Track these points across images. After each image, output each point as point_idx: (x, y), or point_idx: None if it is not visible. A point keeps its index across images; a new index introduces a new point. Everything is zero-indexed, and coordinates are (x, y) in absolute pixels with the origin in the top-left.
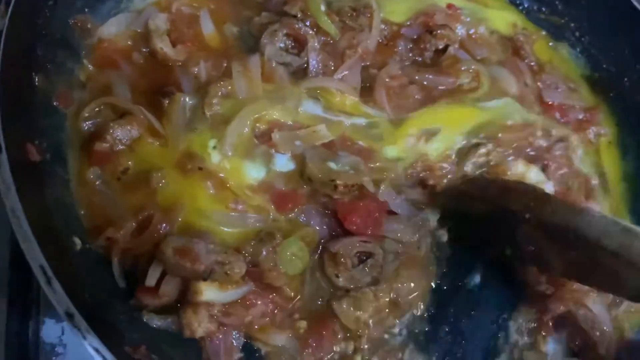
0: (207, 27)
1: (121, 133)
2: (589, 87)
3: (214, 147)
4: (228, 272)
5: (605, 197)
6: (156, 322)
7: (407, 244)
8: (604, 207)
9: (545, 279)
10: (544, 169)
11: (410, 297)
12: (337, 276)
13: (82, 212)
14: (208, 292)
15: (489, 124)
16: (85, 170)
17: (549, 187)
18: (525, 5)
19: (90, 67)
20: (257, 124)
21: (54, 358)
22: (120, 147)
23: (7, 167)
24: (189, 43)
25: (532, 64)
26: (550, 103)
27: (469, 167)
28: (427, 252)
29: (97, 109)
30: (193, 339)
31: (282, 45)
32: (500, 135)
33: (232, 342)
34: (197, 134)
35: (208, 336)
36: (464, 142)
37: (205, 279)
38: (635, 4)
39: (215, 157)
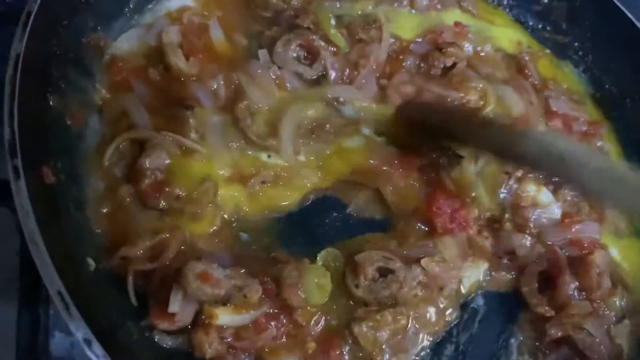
0: (217, 35)
1: (154, 163)
2: (593, 103)
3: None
4: (246, 295)
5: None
6: (167, 341)
7: None
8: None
9: (546, 302)
10: (555, 190)
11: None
12: (356, 287)
13: (99, 231)
14: (222, 316)
15: None
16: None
17: (557, 210)
18: (530, 24)
19: (105, 91)
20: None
21: None
22: (160, 176)
23: (26, 192)
24: (200, 55)
25: (536, 82)
26: (555, 111)
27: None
28: None
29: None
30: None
31: (295, 55)
32: None
33: None
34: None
35: (218, 357)
36: None
37: (224, 304)
38: (638, 24)
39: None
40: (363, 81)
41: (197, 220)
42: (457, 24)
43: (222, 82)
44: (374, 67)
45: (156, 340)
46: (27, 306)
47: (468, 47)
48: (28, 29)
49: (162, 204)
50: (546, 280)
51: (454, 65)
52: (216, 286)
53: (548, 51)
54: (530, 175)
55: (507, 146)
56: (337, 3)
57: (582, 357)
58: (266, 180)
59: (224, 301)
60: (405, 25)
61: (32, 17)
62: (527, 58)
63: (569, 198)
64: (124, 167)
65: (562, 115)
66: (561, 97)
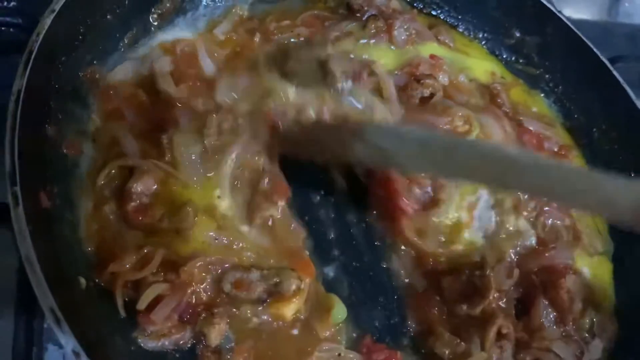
0: (208, 66)
1: (141, 188)
2: (565, 131)
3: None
4: (280, 290)
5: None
6: (151, 344)
7: None
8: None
9: (521, 326)
10: (536, 218)
11: None
12: None
13: (90, 249)
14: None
15: None
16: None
17: (532, 238)
18: (504, 56)
19: (98, 120)
20: None
21: None
22: (146, 200)
23: (23, 218)
24: (190, 82)
25: (508, 110)
26: (529, 129)
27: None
28: None
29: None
30: None
31: None
32: None
33: None
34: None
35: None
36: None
37: (264, 301)
38: (603, 58)
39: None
40: None
41: (189, 241)
42: (432, 56)
43: (202, 99)
44: None
45: (140, 344)
46: (23, 320)
47: (444, 77)
48: (29, 67)
49: (145, 224)
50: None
51: (432, 95)
52: (250, 289)
53: (522, 82)
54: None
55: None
56: None
57: None
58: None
59: (262, 301)
60: (384, 61)
61: (33, 55)
62: (499, 87)
63: (548, 225)
64: (113, 189)
65: (535, 134)
66: (533, 119)
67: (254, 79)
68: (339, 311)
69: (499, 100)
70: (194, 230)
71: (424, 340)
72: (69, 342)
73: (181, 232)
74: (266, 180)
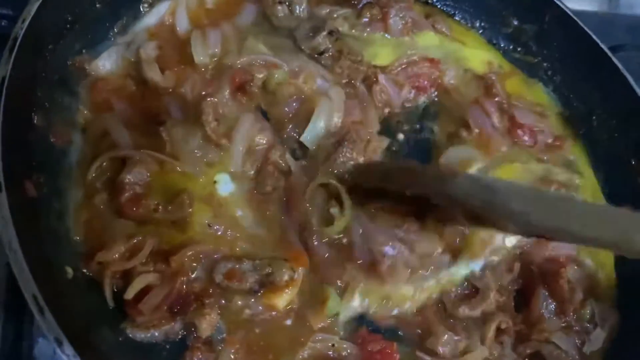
0: (182, 24)
1: (133, 178)
2: (563, 121)
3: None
4: (272, 280)
5: None
6: (139, 335)
7: None
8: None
9: (520, 319)
10: None
11: None
12: None
13: (77, 239)
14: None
15: None
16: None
17: None
18: (502, 45)
19: (87, 112)
20: None
21: None
22: (139, 190)
23: (7, 204)
24: (175, 68)
25: (503, 101)
26: (521, 123)
27: None
28: None
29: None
30: (173, 358)
31: None
32: None
33: None
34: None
35: (189, 356)
36: None
37: (257, 292)
38: (603, 47)
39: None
40: None
41: (184, 230)
42: (430, 60)
43: (191, 84)
44: None
45: (129, 335)
46: (12, 315)
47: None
48: (14, 53)
49: (140, 214)
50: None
51: None
52: (242, 280)
53: (519, 71)
54: None
55: (440, 186)
56: None
57: None
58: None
59: (255, 290)
60: (381, 52)
61: (18, 42)
62: (493, 78)
63: None
64: (105, 180)
65: (528, 127)
66: (526, 110)
67: (226, 31)
68: (334, 304)
69: (493, 90)
70: (190, 218)
71: (423, 341)
72: (51, 330)
73: (177, 222)
74: (278, 153)
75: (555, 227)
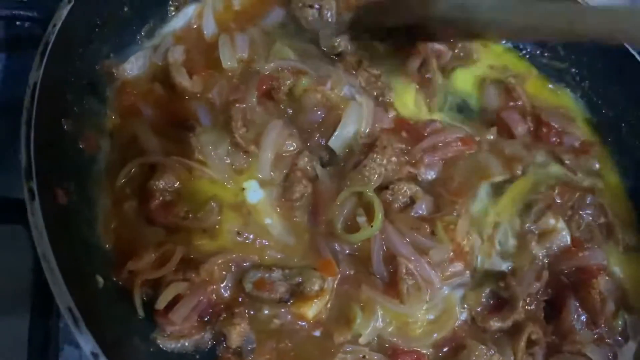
0: (209, 28)
1: (163, 185)
2: (590, 127)
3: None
4: (302, 290)
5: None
6: (170, 345)
7: None
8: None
9: (551, 330)
10: (570, 217)
11: None
12: None
13: (108, 247)
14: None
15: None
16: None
17: (567, 237)
18: (529, 50)
19: (115, 117)
20: None
21: None
22: (169, 197)
23: (40, 213)
24: (203, 72)
25: (526, 105)
26: (547, 122)
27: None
28: None
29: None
30: None
31: None
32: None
33: None
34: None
35: None
36: None
37: (286, 301)
38: (633, 52)
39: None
40: None
41: (213, 238)
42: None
43: (218, 89)
44: None
45: (160, 345)
46: (39, 320)
47: None
48: (45, 58)
49: (169, 222)
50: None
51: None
52: (272, 290)
53: (536, 72)
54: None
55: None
56: None
57: None
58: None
59: (285, 300)
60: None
61: (49, 47)
62: (513, 81)
63: (582, 225)
64: (134, 187)
65: (554, 128)
66: (552, 113)
67: (253, 36)
68: (362, 325)
69: (514, 94)
70: (219, 226)
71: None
72: (87, 343)
73: (206, 230)
74: (306, 159)
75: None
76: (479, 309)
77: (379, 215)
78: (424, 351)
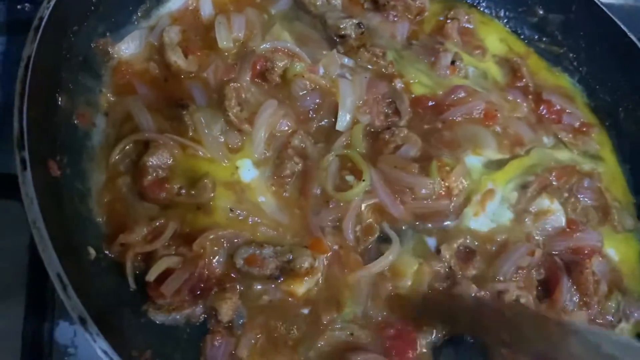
0: (206, 9)
1: (156, 161)
2: (588, 111)
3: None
4: (293, 267)
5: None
6: (161, 318)
7: None
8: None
9: (544, 309)
10: (567, 199)
11: None
12: None
13: (100, 220)
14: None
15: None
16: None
17: (562, 218)
18: (527, 34)
19: (110, 95)
20: None
21: (65, 358)
22: (162, 173)
23: (31, 182)
24: (198, 52)
25: (530, 84)
26: (547, 100)
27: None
28: None
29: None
30: (194, 341)
31: None
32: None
33: (232, 352)
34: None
35: (210, 340)
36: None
37: (277, 278)
38: (632, 36)
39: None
40: None
41: (206, 215)
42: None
43: (213, 69)
44: None
45: (151, 317)
46: (35, 296)
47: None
48: (39, 33)
49: (163, 198)
50: (544, 289)
51: None
52: (263, 266)
53: (532, 49)
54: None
55: (550, 347)
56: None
57: None
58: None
59: (275, 277)
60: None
61: (43, 22)
62: (519, 61)
63: (579, 208)
64: (128, 164)
65: (554, 106)
66: (554, 92)
67: (250, 16)
68: (350, 310)
69: (518, 74)
70: (213, 202)
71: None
72: (74, 309)
73: (200, 206)
74: (300, 137)
75: None
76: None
77: (366, 169)
78: None
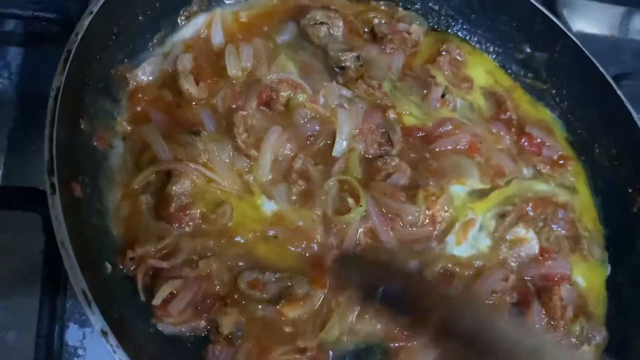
0: (217, 37)
1: (179, 190)
2: (566, 145)
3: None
4: (291, 293)
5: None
6: (168, 329)
7: None
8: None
9: None
10: (541, 229)
11: None
12: None
13: (115, 233)
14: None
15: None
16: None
17: (535, 245)
18: (514, 69)
19: (126, 123)
20: None
21: (75, 359)
22: (185, 200)
23: (60, 206)
24: (209, 80)
25: (513, 117)
26: (529, 133)
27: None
28: None
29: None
30: (197, 350)
31: None
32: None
33: None
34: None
35: (211, 349)
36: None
37: (276, 303)
38: (609, 78)
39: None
40: None
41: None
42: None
43: (222, 96)
44: None
45: (159, 329)
46: (48, 300)
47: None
48: (68, 65)
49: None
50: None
51: None
52: (264, 290)
53: (518, 84)
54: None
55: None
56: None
57: None
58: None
59: (274, 301)
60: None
61: (71, 54)
62: (505, 95)
63: (552, 237)
64: (152, 192)
65: (535, 139)
66: (535, 126)
67: (258, 47)
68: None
69: (503, 107)
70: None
71: None
72: (97, 322)
73: (215, 231)
74: (301, 161)
75: None
76: None
77: (363, 195)
78: None
